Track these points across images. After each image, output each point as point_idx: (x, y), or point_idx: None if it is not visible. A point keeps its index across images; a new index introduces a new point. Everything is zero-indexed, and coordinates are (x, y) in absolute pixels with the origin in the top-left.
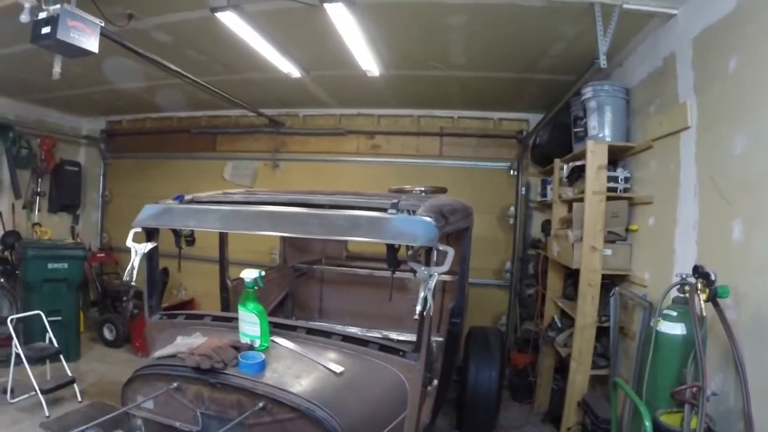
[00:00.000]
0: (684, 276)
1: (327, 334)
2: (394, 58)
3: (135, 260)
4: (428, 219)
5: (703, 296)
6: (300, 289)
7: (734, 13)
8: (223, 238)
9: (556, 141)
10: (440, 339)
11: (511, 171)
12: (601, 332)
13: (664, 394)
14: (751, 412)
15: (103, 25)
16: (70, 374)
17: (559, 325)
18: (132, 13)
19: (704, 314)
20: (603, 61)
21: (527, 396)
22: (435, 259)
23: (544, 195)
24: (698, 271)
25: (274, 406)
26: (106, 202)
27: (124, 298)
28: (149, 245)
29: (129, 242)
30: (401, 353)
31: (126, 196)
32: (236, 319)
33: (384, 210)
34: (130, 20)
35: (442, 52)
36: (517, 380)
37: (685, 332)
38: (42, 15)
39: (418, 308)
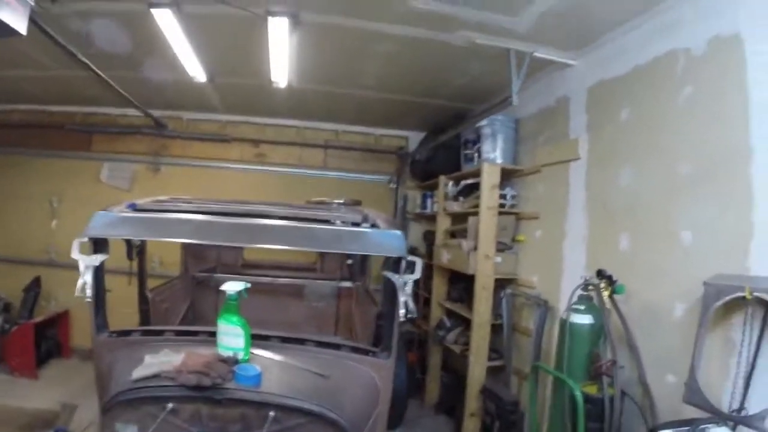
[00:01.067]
0: (587, 278)
1: (301, 341)
2: (308, 72)
3: (87, 275)
4: (398, 232)
5: (606, 293)
6: (197, 299)
7: (628, 74)
8: (142, 248)
9: (440, 159)
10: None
11: (391, 184)
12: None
13: (579, 371)
14: (645, 378)
15: (33, 4)
16: None
17: (448, 325)
18: None
19: (609, 306)
20: (515, 99)
21: (416, 391)
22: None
23: (423, 207)
24: (602, 274)
25: (282, 415)
26: None
27: None
28: (100, 257)
29: (75, 254)
30: (371, 353)
31: None
32: (201, 332)
33: (351, 224)
34: (54, 2)
35: (357, 73)
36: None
37: (592, 321)
38: None
39: (402, 311)
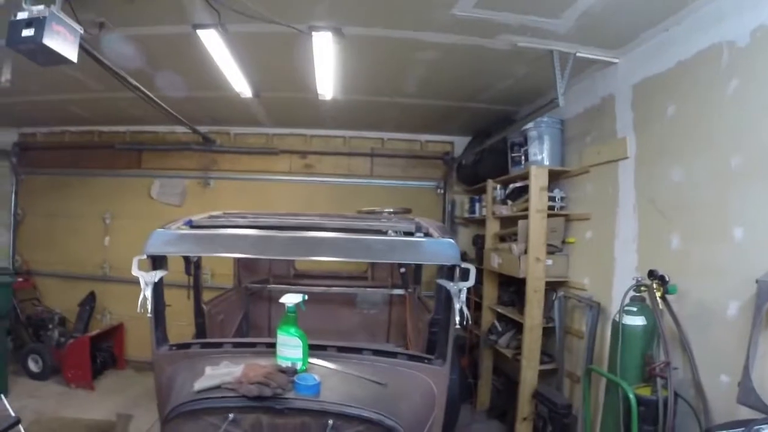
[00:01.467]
0: (639, 279)
1: (357, 350)
2: (352, 84)
3: (147, 290)
4: (452, 240)
5: (658, 293)
6: (251, 310)
7: (672, 70)
8: (198, 262)
9: (487, 163)
10: None
11: (438, 189)
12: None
13: (633, 373)
14: (699, 379)
15: (83, 32)
16: (13, 414)
17: (499, 329)
18: (104, 22)
19: (661, 307)
20: (561, 101)
21: (468, 396)
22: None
23: (472, 212)
24: (654, 275)
25: (343, 423)
26: (18, 222)
27: (50, 326)
28: (159, 273)
29: (135, 271)
30: (427, 360)
31: (41, 216)
32: (259, 344)
33: (405, 234)
34: (101, 29)
35: (400, 82)
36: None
37: (644, 323)
38: (22, 15)
39: (457, 318)
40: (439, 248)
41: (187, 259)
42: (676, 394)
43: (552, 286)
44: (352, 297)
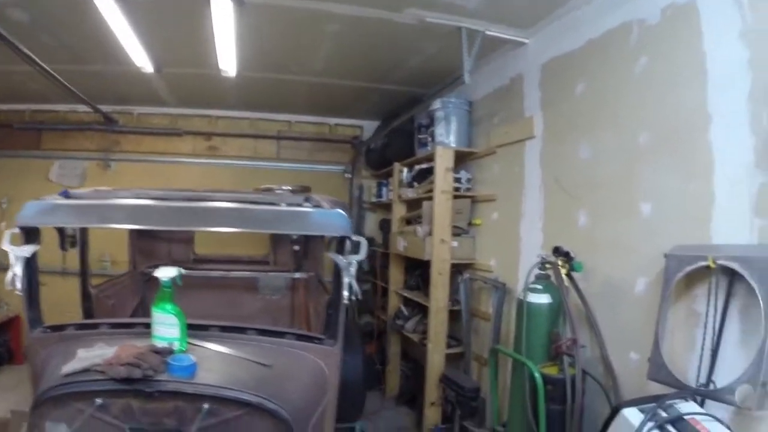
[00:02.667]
0: (544, 256)
1: (241, 330)
2: (256, 59)
3: (17, 267)
4: (341, 211)
5: (563, 270)
6: (147, 296)
7: (582, 48)
8: (84, 242)
9: (394, 147)
10: None
11: (346, 174)
12: (449, 316)
13: (538, 352)
14: (608, 357)
15: None
16: None
17: (406, 313)
18: None
19: (567, 284)
20: (467, 78)
21: (377, 383)
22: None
23: (379, 196)
24: (559, 251)
25: (219, 407)
26: None
27: None
28: (31, 248)
29: (5, 245)
30: (317, 340)
31: None
32: (138, 324)
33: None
34: None
35: (305, 57)
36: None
37: (550, 300)
38: None
39: (345, 293)
40: (328, 219)
41: (62, 232)
42: (585, 372)
43: (458, 269)
44: (254, 282)
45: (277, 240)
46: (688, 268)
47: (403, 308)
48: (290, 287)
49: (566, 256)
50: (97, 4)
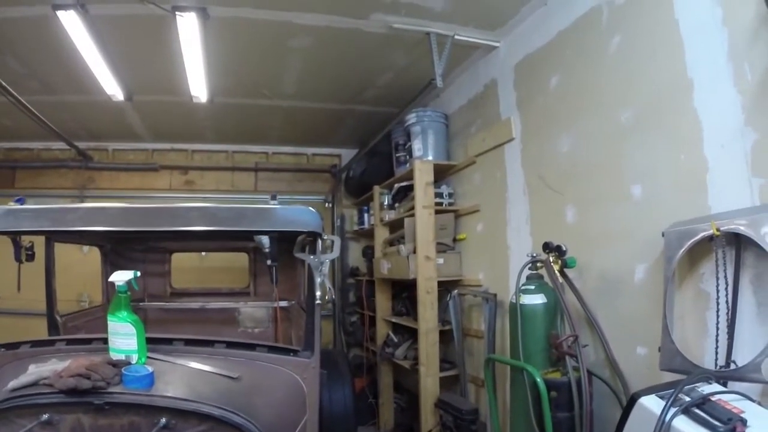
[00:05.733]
0: (534, 255)
1: (209, 343)
2: (226, 82)
3: None
4: (310, 208)
5: (556, 266)
6: None
7: (553, 41)
8: (49, 259)
9: (373, 170)
10: None
11: (326, 204)
12: (440, 338)
13: (538, 357)
14: (613, 355)
15: None
16: None
17: (395, 340)
18: None
19: (561, 280)
20: (440, 81)
21: (370, 417)
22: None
23: (361, 223)
24: (549, 247)
25: (178, 421)
26: None
27: None
28: None
29: None
30: (292, 353)
31: None
32: (96, 340)
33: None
34: None
35: (275, 79)
36: (357, 404)
37: (545, 300)
38: None
39: (318, 293)
40: (295, 215)
41: (16, 243)
42: (590, 373)
43: (446, 287)
44: (234, 314)
45: (256, 270)
46: (690, 242)
47: (392, 335)
48: (272, 319)
49: (558, 251)
50: (63, 21)
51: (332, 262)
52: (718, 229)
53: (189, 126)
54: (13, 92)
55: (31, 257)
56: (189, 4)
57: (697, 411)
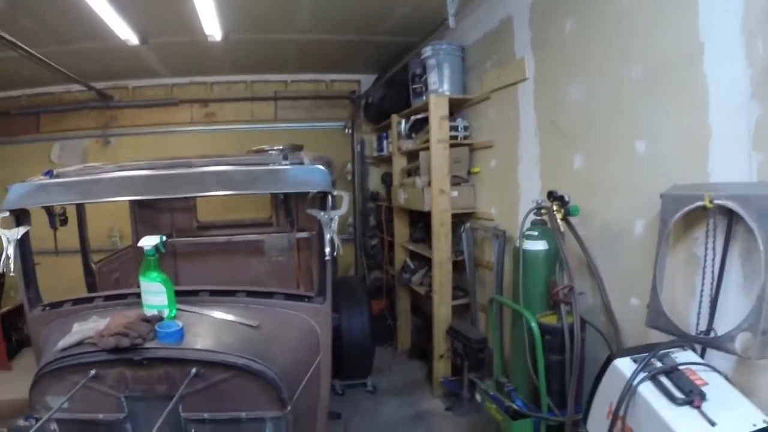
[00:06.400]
0: (539, 201)
1: (231, 293)
2: (239, 20)
3: (9, 248)
4: (321, 167)
5: (559, 215)
6: None
7: None
8: (81, 218)
9: (391, 98)
10: None
11: (346, 130)
12: (454, 267)
13: (537, 301)
14: (609, 304)
15: None
16: None
17: (412, 266)
18: None
19: (563, 229)
20: (452, 21)
21: (388, 339)
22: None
23: (380, 150)
24: (553, 195)
25: (207, 371)
26: None
27: None
28: (22, 229)
29: None
30: (307, 299)
31: None
32: (130, 294)
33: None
34: None
35: (290, 14)
36: (375, 326)
37: (547, 247)
38: None
39: (327, 249)
40: (306, 175)
41: (49, 211)
42: (584, 321)
43: (460, 219)
44: (260, 245)
45: (277, 201)
46: (685, 209)
47: (410, 262)
48: (294, 248)
49: (561, 200)
50: None
51: (352, 185)
52: (711, 201)
53: (206, 60)
54: (24, 46)
55: (64, 222)
56: None
57: (663, 380)
